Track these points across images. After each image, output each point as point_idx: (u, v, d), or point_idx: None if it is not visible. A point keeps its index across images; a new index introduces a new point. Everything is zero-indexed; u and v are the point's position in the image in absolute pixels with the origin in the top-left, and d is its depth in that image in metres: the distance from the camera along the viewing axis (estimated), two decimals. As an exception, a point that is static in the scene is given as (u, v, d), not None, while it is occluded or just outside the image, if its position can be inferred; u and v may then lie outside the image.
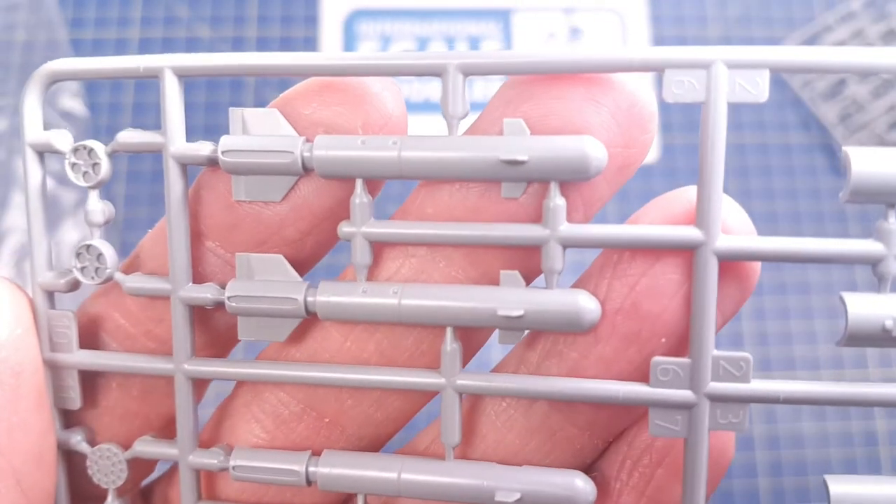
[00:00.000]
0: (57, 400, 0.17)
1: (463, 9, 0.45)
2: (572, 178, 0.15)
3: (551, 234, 0.15)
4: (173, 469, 0.19)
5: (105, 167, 0.16)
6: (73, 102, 0.42)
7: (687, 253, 0.15)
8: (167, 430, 0.18)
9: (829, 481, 0.15)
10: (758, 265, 0.16)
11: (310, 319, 0.17)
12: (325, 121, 0.16)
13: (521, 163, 0.15)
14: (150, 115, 0.42)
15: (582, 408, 0.16)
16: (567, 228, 0.15)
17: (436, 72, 0.15)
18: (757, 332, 0.41)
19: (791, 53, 0.14)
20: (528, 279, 0.16)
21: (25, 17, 0.43)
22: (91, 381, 0.18)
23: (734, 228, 0.15)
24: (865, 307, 0.14)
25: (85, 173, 0.16)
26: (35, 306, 0.17)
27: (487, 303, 0.15)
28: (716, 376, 0.15)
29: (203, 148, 0.16)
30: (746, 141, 0.43)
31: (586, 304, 0.15)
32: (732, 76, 0.14)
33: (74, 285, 0.17)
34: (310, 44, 0.44)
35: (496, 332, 0.16)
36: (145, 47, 0.43)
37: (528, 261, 0.16)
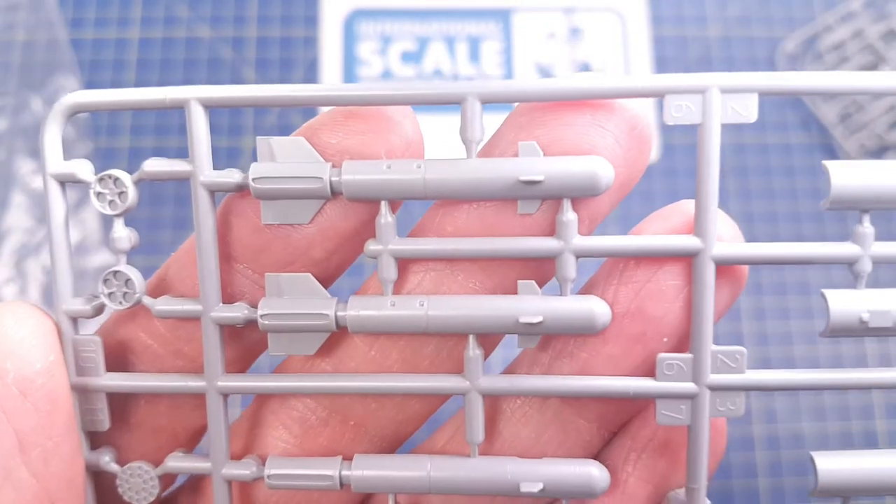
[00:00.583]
0: (85, 423, 0.18)
1: (463, 9, 0.45)
2: (583, 195, 0.16)
3: (565, 246, 0.17)
4: (197, 478, 0.20)
5: (132, 195, 0.17)
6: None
7: (686, 260, 0.17)
8: (193, 443, 0.19)
9: (815, 457, 0.17)
10: (746, 268, 0.17)
11: (336, 332, 0.17)
12: (351, 149, 0.17)
13: (538, 182, 0.16)
14: (151, 116, 0.42)
15: (591, 402, 0.18)
16: (580, 240, 0.17)
17: (455, 101, 0.16)
18: (756, 332, 0.41)
19: (777, 79, 0.16)
20: (540, 286, 0.17)
21: (25, 17, 0.43)
22: (119, 400, 0.18)
23: (725, 236, 0.17)
24: (844, 302, 0.16)
25: (111, 202, 0.17)
26: (61, 333, 0.17)
27: (509, 311, 0.17)
28: (715, 369, 0.17)
29: (232, 176, 0.17)
30: (746, 141, 0.43)
31: (599, 309, 0.17)
32: (725, 100, 0.16)
33: (100, 310, 0.17)
34: (310, 44, 0.44)
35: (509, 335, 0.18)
36: (145, 47, 0.43)
37: (540, 270, 0.17)
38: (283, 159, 0.17)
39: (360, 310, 0.17)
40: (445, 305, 0.17)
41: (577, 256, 0.17)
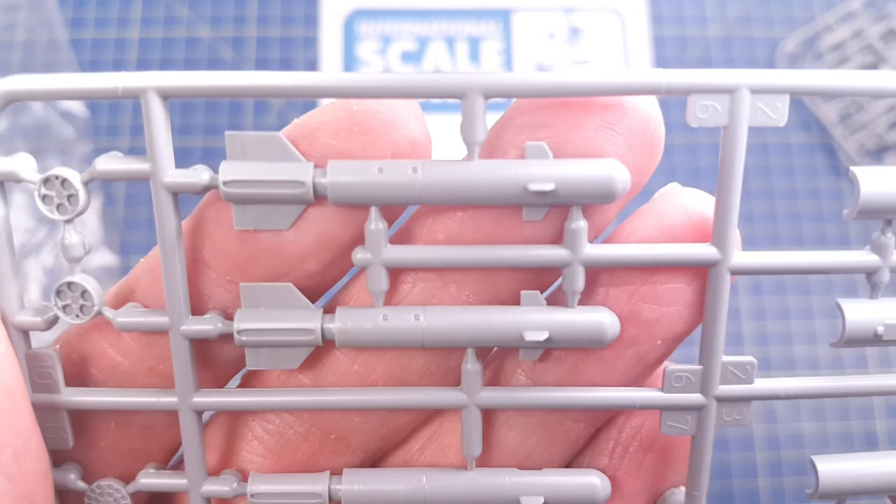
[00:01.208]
0: (47, 441, 0.16)
1: (463, 9, 0.45)
2: (597, 202, 0.15)
3: (575, 257, 0.15)
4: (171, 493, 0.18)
5: (82, 198, 0.15)
6: (73, 102, 0.42)
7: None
8: (169, 460, 0.18)
9: (816, 461, 0.17)
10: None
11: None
12: (353, 152, 0.15)
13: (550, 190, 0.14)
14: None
15: None
16: (590, 250, 0.15)
17: (455, 95, 0.14)
18: (756, 332, 0.41)
19: (812, 78, 0.14)
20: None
21: (25, 17, 0.43)
22: (86, 418, 0.17)
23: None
24: (861, 313, 0.16)
25: (59, 205, 0.15)
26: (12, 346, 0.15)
27: (513, 325, 0.15)
28: (724, 380, 0.16)
29: (200, 176, 0.15)
30: (747, 140, 0.43)
31: (609, 321, 0.15)
32: (754, 101, 0.14)
33: (53, 323, 0.15)
34: (310, 44, 0.44)
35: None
36: (145, 47, 0.43)
37: (540, 281, 0.16)
38: (258, 158, 0.15)
39: (350, 323, 0.15)
40: (443, 318, 0.15)
41: (586, 267, 0.15)
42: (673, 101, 0.16)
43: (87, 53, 0.43)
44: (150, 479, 0.17)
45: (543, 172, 0.14)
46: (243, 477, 0.17)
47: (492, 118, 0.15)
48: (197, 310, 0.16)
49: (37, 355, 0.16)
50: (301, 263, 0.16)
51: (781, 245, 0.41)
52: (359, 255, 0.15)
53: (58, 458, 0.17)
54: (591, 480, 0.17)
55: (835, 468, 0.16)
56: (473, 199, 0.15)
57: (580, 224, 0.15)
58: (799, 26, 0.44)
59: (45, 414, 0.16)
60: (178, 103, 0.41)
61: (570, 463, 0.18)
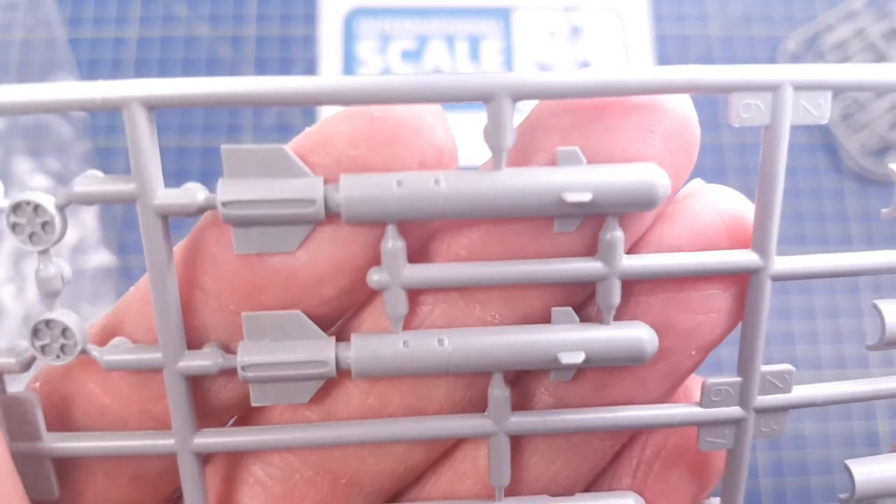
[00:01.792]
0: (29, 492, 0.14)
1: (463, 7, 0.44)
2: (637, 210, 0.14)
3: (611, 270, 0.14)
4: None
5: (58, 226, 0.13)
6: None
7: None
8: None
9: (851, 465, 0.16)
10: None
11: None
12: (374, 163, 0.13)
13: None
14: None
15: None
16: (627, 262, 0.14)
17: (481, 98, 0.13)
18: (781, 331, 0.41)
19: (857, 73, 0.14)
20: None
21: (23, 16, 0.43)
22: (69, 468, 0.15)
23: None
24: None
25: (32, 234, 0.13)
26: None
27: (546, 346, 0.14)
28: (762, 390, 0.15)
29: (194, 196, 0.13)
30: (747, 140, 0.42)
31: (648, 337, 0.14)
32: (797, 97, 0.14)
33: (28, 365, 0.14)
34: (309, 43, 0.43)
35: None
36: (143, 46, 0.43)
37: (571, 297, 0.15)
38: (260, 174, 0.13)
39: (367, 352, 0.14)
40: (471, 342, 0.14)
41: (623, 280, 0.14)
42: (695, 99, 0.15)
43: (86, 52, 0.42)
44: None
45: (579, 180, 0.13)
46: None
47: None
48: (194, 343, 0.14)
49: (15, 400, 0.14)
50: (316, 289, 0.14)
51: (783, 245, 0.41)
52: (375, 276, 0.14)
53: None
54: (628, 503, 0.16)
55: (869, 471, 0.16)
56: (502, 212, 0.13)
57: (616, 234, 0.14)
58: (800, 25, 0.44)
59: (26, 463, 0.14)
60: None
61: (592, 482, 0.17)
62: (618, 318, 0.15)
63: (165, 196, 0.13)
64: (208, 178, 0.13)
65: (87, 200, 0.13)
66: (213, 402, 0.15)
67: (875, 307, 0.15)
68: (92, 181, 0.13)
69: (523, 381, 0.16)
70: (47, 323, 0.14)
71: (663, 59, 0.43)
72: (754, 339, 0.15)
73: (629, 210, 0.14)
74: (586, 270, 0.14)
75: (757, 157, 0.14)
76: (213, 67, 0.42)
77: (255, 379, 0.14)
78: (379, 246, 0.14)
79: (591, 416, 0.15)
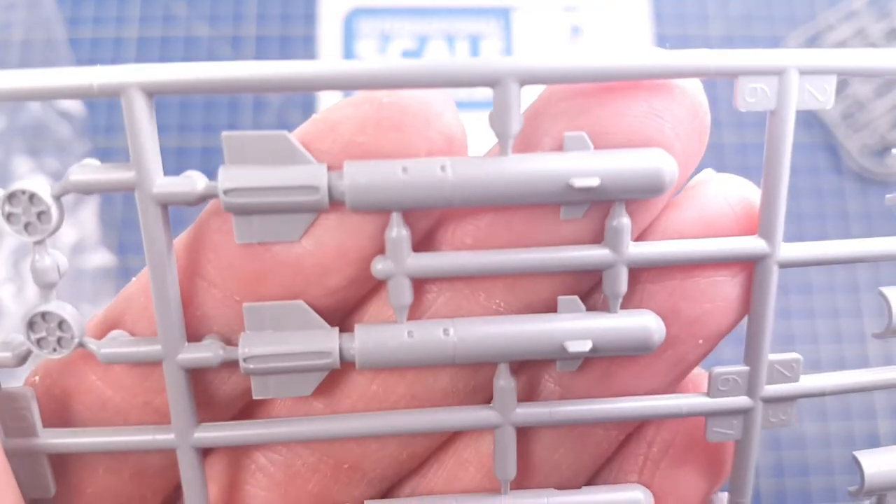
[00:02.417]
0: (25, 490, 0.14)
1: (463, 7, 0.44)
2: (645, 196, 0.14)
3: (618, 258, 0.14)
4: None
5: (54, 216, 0.13)
6: (70, 102, 0.41)
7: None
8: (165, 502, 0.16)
9: (860, 456, 0.16)
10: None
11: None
12: (383, 150, 0.13)
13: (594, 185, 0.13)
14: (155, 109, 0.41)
15: None
16: (634, 249, 0.14)
17: (487, 82, 0.13)
18: (782, 331, 0.41)
19: (862, 57, 0.14)
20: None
21: (23, 16, 0.43)
22: (70, 463, 0.15)
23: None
24: None
25: (28, 224, 0.13)
26: None
27: (552, 335, 0.14)
28: (770, 379, 0.15)
29: (194, 184, 0.13)
30: (748, 140, 0.42)
31: (655, 326, 0.14)
32: (802, 82, 0.13)
33: (24, 358, 0.14)
34: (309, 42, 0.43)
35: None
36: (143, 46, 0.42)
37: (577, 285, 0.15)
38: (262, 161, 0.13)
39: (372, 342, 0.14)
40: (476, 332, 0.14)
41: (630, 267, 0.14)
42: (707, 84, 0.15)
43: (86, 52, 0.42)
44: None
45: (586, 166, 0.13)
46: None
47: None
48: (197, 334, 0.14)
49: (9, 395, 0.14)
50: (321, 279, 0.14)
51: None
52: (379, 265, 0.13)
53: None
54: (635, 496, 0.15)
55: (879, 462, 0.16)
56: (510, 199, 0.13)
57: (623, 221, 0.14)
58: (800, 25, 0.44)
59: (21, 460, 0.14)
60: (175, 101, 0.41)
61: (596, 474, 0.17)
62: (624, 306, 0.14)
63: (165, 184, 0.13)
64: (208, 158, 0.13)
65: (84, 189, 0.13)
66: (216, 394, 0.15)
67: (881, 294, 0.15)
68: (89, 169, 0.13)
69: (529, 369, 0.15)
70: (43, 315, 0.13)
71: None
72: (761, 328, 0.15)
73: (636, 196, 0.14)
74: (593, 258, 0.14)
75: (758, 156, 0.14)
76: (212, 67, 0.42)
77: (256, 371, 0.14)
78: (384, 235, 0.13)
79: (598, 408, 0.15)
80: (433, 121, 0.13)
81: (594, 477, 0.17)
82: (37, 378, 0.15)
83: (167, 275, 0.13)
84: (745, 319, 0.15)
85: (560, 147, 0.13)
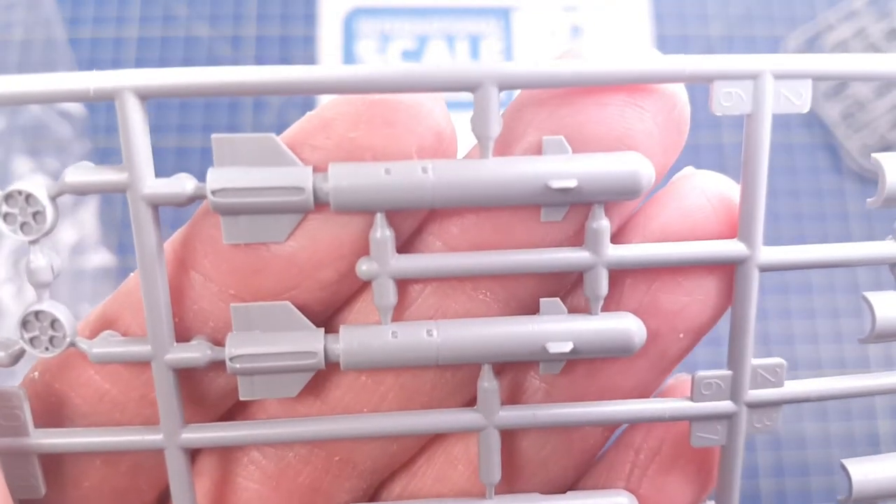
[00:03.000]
0: (15, 490, 0.14)
1: (463, 7, 0.44)
2: (622, 198, 0.14)
3: (598, 259, 0.14)
4: None
5: (50, 215, 0.13)
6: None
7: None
8: (160, 498, 0.16)
9: (848, 465, 0.16)
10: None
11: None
12: (375, 146, 0.13)
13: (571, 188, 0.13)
14: (155, 109, 0.41)
15: None
16: (614, 252, 0.14)
17: (467, 87, 0.13)
18: (782, 332, 0.41)
19: (835, 62, 0.14)
20: (562, 296, 0.15)
21: (23, 16, 0.43)
22: (67, 458, 0.15)
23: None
24: (891, 307, 0.15)
25: (23, 224, 0.13)
26: None
27: (534, 337, 0.14)
28: (754, 384, 0.15)
29: (183, 185, 0.13)
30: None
31: (636, 328, 0.15)
32: (778, 86, 0.14)
33: (17, 358, 0.14)
34: (309, 42, 0.43)
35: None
36: (143, 46, 0.42)
37: (562, 281, 0.15)
38: (250, 163, 0.13)
39: (356, 344, 0.14)
40: (459, 333, 0.14)
41: (610, 269, 0.14)
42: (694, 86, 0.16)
43: (86, 52, 0.42)
44: None
45: (564, 168, 0.13)
46: None
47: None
48: (194, 330, 0.14)
49: (1, 394, 0.14)
50: (314, 273, 0.14)
51: (784, 245, 0.41)
52: (364, 266, 0.14)
53: None
54: (621, 502, 0.16)
55: (867, 470, 0.16)
56: (489, 201, 0.14)
57: (602, 223, 0.14)
58: (801, 25, 0.44)
59: (11, 460, 0.14)
60: (176, 101, 0.41)
61: (583, 481, 0.17)
62: (604, 300, 0.15)
63: (155, 185, 0.13)
64: (207, 158, 0.14)
65: (79, 190, 0.13)
66: (206, 393, 0.15)
67: (865, 299, 0.15)
68: (83, 171, 0.13)
69: (515, 366, 0.16)
70: (37, 315, 0.14)
71: (664, 58, 0.43)
72: (744, 331, 0.15)
73: (614, 198, 0.14)
74: (573, 260, 0.14)
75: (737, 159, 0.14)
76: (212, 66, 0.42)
77: (243, 371, 0.14)
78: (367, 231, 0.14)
79: (582, 410, 0.15)
80: (423, 117, 0.14)
81: (582, 483, 0.17)
82: (36, 374, 0.15)
83: (157, 275, 0.13)
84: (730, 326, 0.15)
85: (541, 144, 0.14)
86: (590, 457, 0.16)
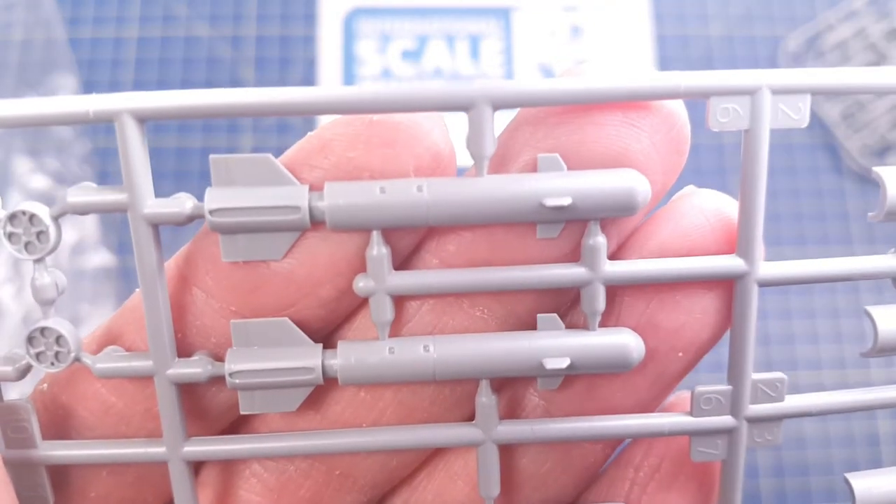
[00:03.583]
0: (23, 500, 0.15)
1: (463, 7, 0.44)
2: (617, 215, 0.14)
3: (594, 275, 0.14)
4: None
5: (52, 235, 0.13)
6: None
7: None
8: None
9: (851, 479, 0.15)
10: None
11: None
12: (373, 166, 0.13)
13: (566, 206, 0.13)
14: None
15: None
16: (611, 268, 0.14)
17: (461, 107, 0.13)
18: (782, 332, 0.41)
19: (834, 77, 0.14)
20: (559, 313, 0.15)
21: (23, 16, 0.43)
22: (73, 469, 0.15)
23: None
24: (894, 321, 0.15)
25: (28, 244, 0.13)
26: None
27: (531, 353, 0.14)
28: (754, 399, 0.15)
29: (182, 205, 0.13)
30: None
31: (634, 343, 0.14)
32: (775, 102, 0.14)
33: (25, 372, 0.14)
34: (309, 42, 0.43)
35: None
36: (143, 46, 0.42)
37: (559, 297, 0.15)
38: (247, 183, 0.13)
39: (353, 359, 0.14)
40: (456, 349, 0.14)
41: (607, 285, 0.14)
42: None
43: (86, 52, 0.42)
44: None
45: (558, 185, 0.13)
46: None
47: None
48: (196, 346, 0.15)
49: (10, 407, 0.14)
50: (314, 290, 0.14)
51: (784, 245, 0.41)
52: (360, 283, 0.14)
53: None
54: None
55: (870, 484, 0.16)
56: (484, 218, 0.14)
57: (598, 240, 0.14)
58: (801, 25, 0.44)
59: (20, 471, 0.15)
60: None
61: (583, 499, 0.17)
62: (602, 318, 0.15)
63: (155, 205, 0.13)
64: (208, 179, 0.14)
65: (80, 210, 0.14)
66: (208, 407, 0.15)
67: (867, 313, 0.15)
68: (85, 191, 0.14)
69: (513, 382, 0.16)
70: (42, 331, 0.14)
71: (664, 58, 0.43)
72: (743, 346, 0.15)
73: (609, 215, 0.14)
74: (569, 276, 0.14)
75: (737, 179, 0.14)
76: (212, 67, 0.42)
77: (242, 386, 0.14)
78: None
79: (581, 426, 0.15)
80: (422, 138, 0.14)
81: (581, 500, 0.17)
82: (45, 386, 0.15)
83: (158, 292, 0.14)
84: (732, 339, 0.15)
85: (538, 155, 0.14)
86: (590, 474, 0.16)
